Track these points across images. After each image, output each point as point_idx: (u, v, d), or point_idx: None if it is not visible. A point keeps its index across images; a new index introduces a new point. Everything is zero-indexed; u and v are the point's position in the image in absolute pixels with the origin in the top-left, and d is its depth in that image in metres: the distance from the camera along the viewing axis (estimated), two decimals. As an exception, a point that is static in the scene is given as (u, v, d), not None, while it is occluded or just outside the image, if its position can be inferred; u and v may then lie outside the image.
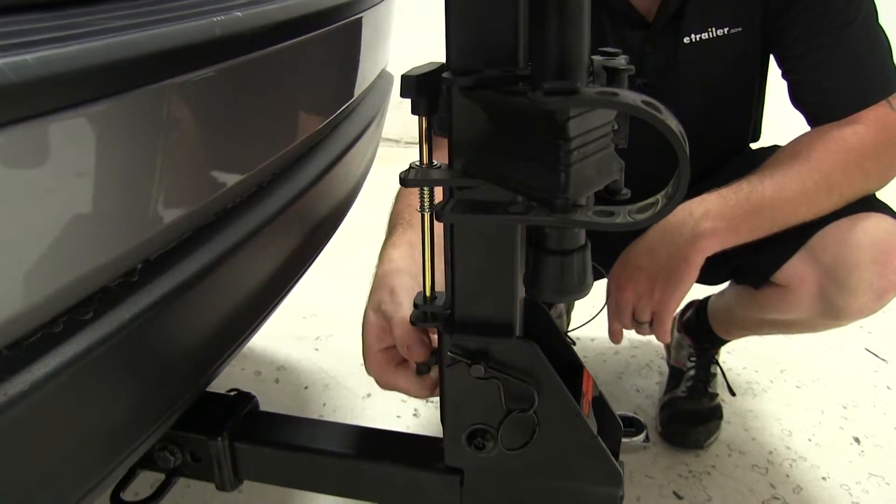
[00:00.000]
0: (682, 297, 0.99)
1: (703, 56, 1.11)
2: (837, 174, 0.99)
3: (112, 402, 0.57)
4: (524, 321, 0.68)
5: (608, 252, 1.04)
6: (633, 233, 1.00)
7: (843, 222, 1.03)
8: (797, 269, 1.09)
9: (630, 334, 1.10)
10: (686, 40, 1.10)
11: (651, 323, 1.01)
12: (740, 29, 1.09)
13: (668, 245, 0.97)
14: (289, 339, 1.79)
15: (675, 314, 1.02)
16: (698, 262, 0.96)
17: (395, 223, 0.95)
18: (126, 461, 0.63)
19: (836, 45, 1.01)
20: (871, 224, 1.03)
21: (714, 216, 0.96)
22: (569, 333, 1.62)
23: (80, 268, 0.49)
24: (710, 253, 0.97)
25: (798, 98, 1.08)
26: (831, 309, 1.08)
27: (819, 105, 1.06)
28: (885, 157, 1.02)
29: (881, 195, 1.08)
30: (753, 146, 1.28)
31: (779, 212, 0.98)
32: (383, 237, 0.94)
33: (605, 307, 1.04)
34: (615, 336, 1.06)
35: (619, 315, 1.02)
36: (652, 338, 1.05)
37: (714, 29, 1.09)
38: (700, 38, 1.09)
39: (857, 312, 1.07)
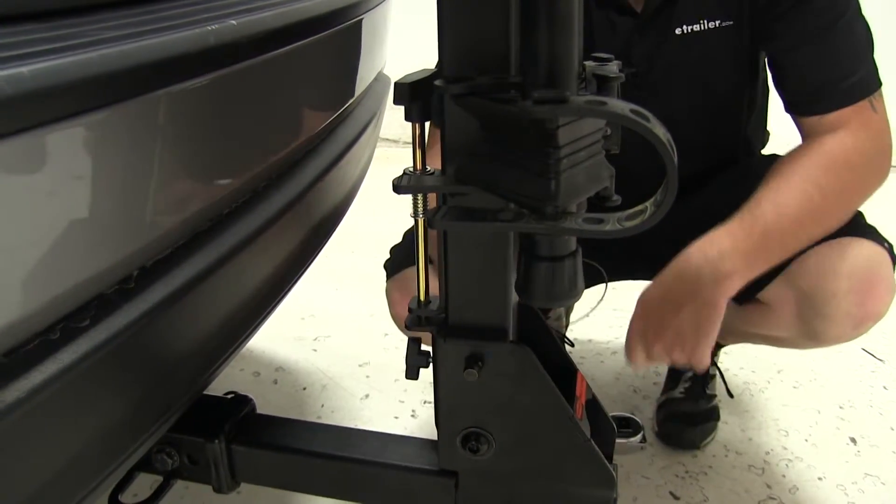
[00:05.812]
0: (714, 339, 0.97)
1: (696, 48, 1.08)
2: (832, 183, 0.96)
3: (109, 408, 0.58)
4: (518, 325, 0.68)
5: (608, 254, 1.04)
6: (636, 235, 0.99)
7: (824, 247, 1.02)
8: (778, 292, 1.09)
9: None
10: (678, 31, 1.07)
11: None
12: (731, 22, 1.07)
13: (691, 294, 0.95)
14: (287, 340, 1.80)
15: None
16: (724, 304, 0.95)
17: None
18: (123, 464, 0.63)
19: (822, 43, 1.00)
20: (852, 251, 1.02)
21: (730, 255, 0.94)
22: (567, 336, 1.63)
23: (77, 275, 0.49)
24: (734, 293, 0.95)
25: (779, 83, 1.07)
26: (810, 332, 1.08)
27: (800, 94, 1.04)
28: (875, 162, 1.01)
29: (873, 217, 1.07)
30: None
31: (788, 235, 0.96)
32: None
33: (628, 357, 1.01)
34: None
35: (649, 362, 1.01)
36: None
37: (706, 21, 1.07)
38: (692, 29, 1.07)
39: (834, 339, 1.07)
